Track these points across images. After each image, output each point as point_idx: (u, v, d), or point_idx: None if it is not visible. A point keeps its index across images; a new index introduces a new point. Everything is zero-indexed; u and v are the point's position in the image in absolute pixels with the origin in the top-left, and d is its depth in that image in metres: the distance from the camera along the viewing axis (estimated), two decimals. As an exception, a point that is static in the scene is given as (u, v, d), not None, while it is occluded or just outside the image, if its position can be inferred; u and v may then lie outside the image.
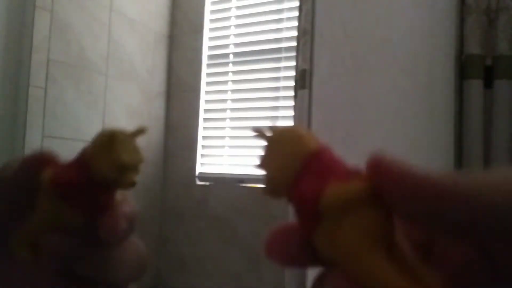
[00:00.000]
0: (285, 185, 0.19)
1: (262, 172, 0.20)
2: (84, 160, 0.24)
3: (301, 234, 0.19)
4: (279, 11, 2.22)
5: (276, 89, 2.20)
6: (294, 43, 1.65)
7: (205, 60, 2.42)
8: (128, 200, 0.26)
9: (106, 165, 0.23)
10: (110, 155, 0.23)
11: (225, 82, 2.37)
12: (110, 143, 0.23)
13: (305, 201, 0.18)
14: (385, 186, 0.17)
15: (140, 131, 0.24)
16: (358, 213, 0.18)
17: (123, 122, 2.19)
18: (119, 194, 0.25)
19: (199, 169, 2.37)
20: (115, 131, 0.23)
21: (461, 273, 0.18)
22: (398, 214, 0.18)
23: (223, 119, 2.35)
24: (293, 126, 0.20)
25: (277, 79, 2.20)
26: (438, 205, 0.16)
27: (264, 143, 0.20)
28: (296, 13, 1.71)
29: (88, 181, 0.23)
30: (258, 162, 0.20)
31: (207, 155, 2.38)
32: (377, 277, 0.17)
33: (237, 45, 2.35)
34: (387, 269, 0.17)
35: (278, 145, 0.20)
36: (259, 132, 0.20)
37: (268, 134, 0.20)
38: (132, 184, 0.24)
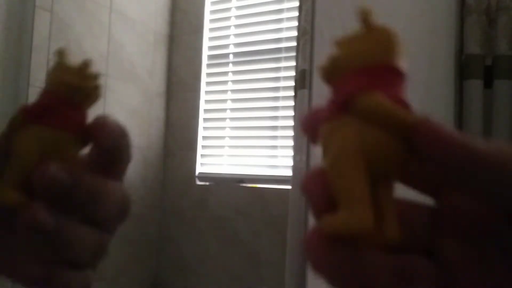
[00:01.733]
0: (347, 68, 0.19)
1: (336, 45, 0.20)
2: (48, 88, 0.24)
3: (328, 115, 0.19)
4: (279, 11, 2.22)
5: (276, 89, 2.20)
6: (294, 43, 1.65)
7: (205, 60, 2.42)
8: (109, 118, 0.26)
9: (60, 74, 0.23)
10: (64, 65, 0.24)
11: (225, 82, 2.37)
12: (61, 60, 0.24)
13: (349, 91, 0.18)
14: (432, 146, 0.18)
15: (86, 62, 0.24)
16: (375, 130, 0.18)
17: (123, 122, 2.18)
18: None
19: (199, 169, 2.37)
20: (60, 49, 0.24)
21: (475, 225, 0.19)
22: (438, 173, 0.19)
23: (223, 119, 2.35)
24: (395, 32, 0.20)
25: (277, 79, 2.20)
26: (475, 169, 0.17)
27: (363, 26, 0.20)
28: (296, 13, 1.70)
29: (52, 98, 0.24)
30: (338, 39, 0.20)
31: (207, 155, 2.38)
32: (346, 184, 0.17)
33: (237, 45, 2.35)
34: (359, 184, 0.17)
35: (372, 36, 0.19)
36: (367, 14, 0.20)
37: (372, 22, 0.20)
38: (96, 87, 0.24)
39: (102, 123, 0.25)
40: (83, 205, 0.24)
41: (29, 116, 0.23)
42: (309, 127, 0.21)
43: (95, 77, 0.24)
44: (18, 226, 0.23)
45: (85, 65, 0.24)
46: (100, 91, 0.24)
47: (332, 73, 0.20)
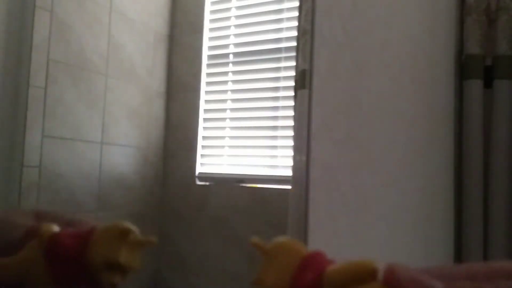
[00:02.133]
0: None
1: (261, 285, 0.23)
2: (88, 239, 0.23)
3: None
4: (279, 11, 2.22)
5: (276, 89, 2.20)
6: (294, 43, 1.65)
7: (205, 60, 2.42)
8: None
9: (102, 254, 0.23)
10: (110, 248, 0.23)
11: (225, 82, 2.37)
12: (117, 238, 0.23)
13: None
14: None
15: (150, 241, 0.25)
16: None
17: (123, 122, 2.19)
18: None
19: (199, 169, 2.37)
20: (130, 229, 0.23)
21: None
22: None
23: (223, 119, 2.35)
24: (285, 239, 0.23)
25: (277, 79, 2.20)
26: None
27: (261, 256, 0.23)
28: (296, 13, 1.71)
29: (80, 258, 0.23)
30: (256, 276, 0.23)
31: (207, 155, 2.38)
32: None
33: (237, 45, 2.35)
34: None
35: (275, 257, 0.23)
36: (257, 246, 0.23)
37: (264, 248, 0.23)
38: (112, 285, 0.24)
39: None
40: None
41: (50, 248, 0.23)
42: None
43: (125, 275, 0.24)
44: None
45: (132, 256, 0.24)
46: (115, 286, 0.24)
47: None
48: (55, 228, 0.24)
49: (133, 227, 0.24)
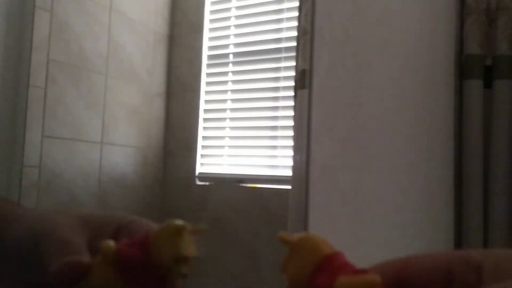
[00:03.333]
0: (303, 284, 0.23)
1: (284, 274, 0.24)
2: (147, 244, 0.26)
3: None
4: (279, 11, 2.22)
5: (276, 89, 2.20)
6: (294, 43, 1.65)
7: (205, 60, 2.42)
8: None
9: (167, 253, 0.26)
10: (172, 246, 0.26)
11: (225, 82, 2.37)
12: (175, 236, 0.26)
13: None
14: None
15: (200, 229, 0.28)
16: None
17: (123, 122, 2.19)
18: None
19: (199, 169, 2.37)
20: (182, 226, 0.26)
21: None
22: None
23: (223, 119, 2.35)
24: (311, 234, 0.25)
25: (277, 79, 2.20)
26: None
27: (287, 248, 0.24)
28: (296, 13, 1.70)
29: (147, 263, 0.26)
30: (281, 266, 0.25)
31: (207, 155, 2.38)
32: None
33: (237, 45, 2.35)
34: None
35: (298, 251, 0.24)
36: (284, 240, 0.24)
37: (291, 240, 0.24)
38: (185, 276, 0.27)
39: None
40: None
41: (119, 262, 0.26)
42: None
43: (190, 263, 0.27)
44: None
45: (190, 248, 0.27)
46: (187, 276, 0.27)
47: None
48: (112, 243, 0.27)
49: (184, 223, 0.27)
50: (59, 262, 0.26)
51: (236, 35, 2.36)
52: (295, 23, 1.87)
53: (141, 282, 0.26)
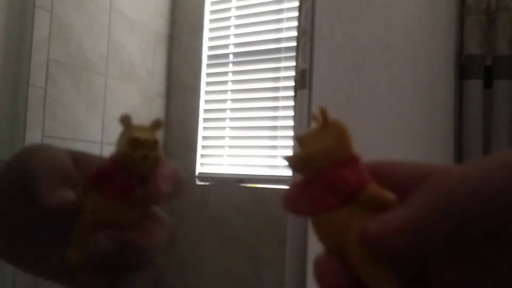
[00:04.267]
0: (322, 164, 0.22)
1: (300, 145, 0.23)
2: (111, 155, 0.26)
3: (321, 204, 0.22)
4: (279, 11, 2.22)
5: (276, 89, 2.20)
6: (294, 43, 1.65)
7: (205, 60, 2.42)
8: (167, 163, 0.28)
9: (122, 143, 0.26)
10: (125, 135, 0.26)
11: (225, 82, 2.37)
12: (126, 128, 0.26)
13: (348, 183, 0.21)
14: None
15: (157, 123, 0.28)
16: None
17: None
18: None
19: (199, 169, 2.37)
20: (126, 115, 0.26)
21: None
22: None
23: (223, 119, 2.35)
24: (346, 125, 0.23)
25: (277, 79, 2.20)
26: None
27: (323, 123, 0.23)
28: (296, 13, 1.70)
29: (115, 167, 0.26)
30: (299, 137, 0.23)
31: (207, 155, 2.38)
32: (374, 268, 0.20)
33: (237, 45, 2.35)
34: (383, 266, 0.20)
35: (329, 133, 0.22)
36: (323, 113, 0.23)
37: (329, 119, 0.23)
38: (144, 157, 0.26)
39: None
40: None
41: (90, 183, 0.26)
42: (295, 208, 0.23)
43: (153, 146, 0.27)
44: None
45: (147, 133, 0.27)
46: (157, 159, 0.27)
47: (306, 169, 0.23)
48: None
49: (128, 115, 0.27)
50: (55, 194, 0.27)
51: (236, 35, 2.36)
52: (295, 23, 1.87)
53: (119, 190, 0.26)
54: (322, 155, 0.22)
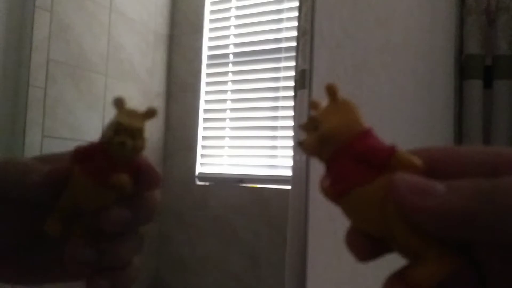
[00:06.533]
0: (342, 139, 0.22)
1: (322, 122, 0.22)
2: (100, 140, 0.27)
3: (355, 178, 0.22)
4: (279, 11, 2.22)
5: (276, 89, 2.20)
6: (294, 43, 1.65)
7: (205, 60, 2.42)
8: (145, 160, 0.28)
9: (110, 130, 0.26)
10: (112, 122, 0.26)
11: (225, 82, 2.37)
12: (119, 111, 0.27)
13: (379, 151, 0.21)
14: None
15: (151, 111, 0.28)
16: None
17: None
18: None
19: (199, 169, 2.37)
20: (118, 98, 0.27)
21: None
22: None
23: (223, 119, 2.35)
24: (353, 102, 0.23)
25: (277, 79, 2.20)
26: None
27: (332, 100, 0.22)
28: (296, 13, 1.70)
29: (100, 149, 0.26)
30: (319, 114, 0.22)
31: (207, 155, 2.38)
32: (418, 239, 0.20)
33: (237, 45, 2.35)
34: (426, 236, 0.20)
35: (343, 107, 0.22)
36: (331, 89, 0.22)
37: (339, 97, 0.22)
38: (121, 143, 0.26)
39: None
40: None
41: (74, 158, 0.27)
42: (333, 190, 0.22)
43: (138, 133, 0.27)
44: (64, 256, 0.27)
45: (134, 119, 0.27)
46: (138, 147, 0.27)
47: (325, 148, 0.22)
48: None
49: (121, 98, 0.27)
50: (42, 170, 0.27)
51: (236, 35, 2.36)
52: (295, 23, 1.87)
53: (94, 170, 0.26)
54: (341, 130, 0.22)
